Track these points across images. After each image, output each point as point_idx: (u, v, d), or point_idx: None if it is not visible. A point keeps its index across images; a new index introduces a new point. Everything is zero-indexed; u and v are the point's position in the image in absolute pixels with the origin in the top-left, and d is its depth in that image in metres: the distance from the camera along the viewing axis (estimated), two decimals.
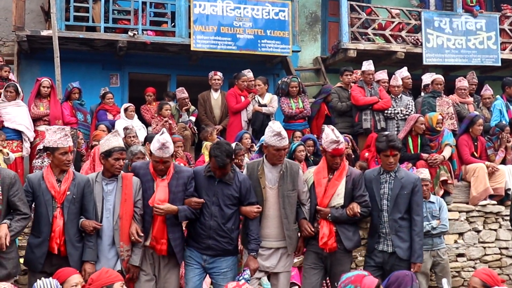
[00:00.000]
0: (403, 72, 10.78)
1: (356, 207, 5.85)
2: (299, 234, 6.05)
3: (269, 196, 5.90)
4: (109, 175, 5.73)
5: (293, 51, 12.60)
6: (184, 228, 6.17)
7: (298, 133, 9.99)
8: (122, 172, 5.79)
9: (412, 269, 5.84)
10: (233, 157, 5.91)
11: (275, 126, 5.84)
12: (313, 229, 5.94)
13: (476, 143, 9.34)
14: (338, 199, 5.92)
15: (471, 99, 10.56)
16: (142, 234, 5.65)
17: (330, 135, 5.86)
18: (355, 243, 6.06)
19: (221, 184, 5.73)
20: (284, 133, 5.82)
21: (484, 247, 8.68)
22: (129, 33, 11.66)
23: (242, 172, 6.12)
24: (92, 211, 5.59)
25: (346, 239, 5.93)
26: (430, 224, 7.58)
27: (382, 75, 10.50)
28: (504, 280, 5.61)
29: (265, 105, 10.38)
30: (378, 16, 13.37)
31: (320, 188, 5.97)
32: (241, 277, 5.20)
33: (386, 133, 6.41)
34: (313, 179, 6.06)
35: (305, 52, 13.78)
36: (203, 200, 5.69)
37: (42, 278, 4.61)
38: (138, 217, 5.73)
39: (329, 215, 5.87)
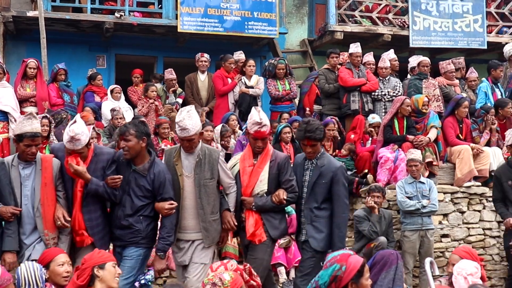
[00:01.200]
0: (390, 54, 10.84)
1: (282, 194, 5.59)
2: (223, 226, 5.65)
3: (186, 185, 5.50)
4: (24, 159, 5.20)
5: (280, 33, 12.58)
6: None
7: (285, 115, 10.07)
8: (40, 154, 5.33)
9: None
10: (145, 136, 5.37)
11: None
12: (236, 223, 5.61)
13: (461, 125, 9.41)
14: (262, 185, 5.64)
15: (457, 81, 10.64)
16: (69, 219, 5.17)
17: (254, 116, 5.63)
18: (281, 232, 5.82)
19: (135, 173, 5.34)
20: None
21: (468, 228, 8.76)
22: (116, 14, 11.58)
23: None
24: (9, 196, 5.09)
25: (272, 228, 5.66)
26: (420, 202, 7.74)
27: (369, 57, 10.57)
28: (482, 259, 5.74)
29: (252, 87, 10.41)
30: None
31: (245, 176, 5.67)
32: (142, 278, 5.00)
33: (308, 119, 5.97)
34: (239, 166, 5.76)
35: (292, 34, 13.76)
36: (120, 176, 5.25)
37: (25, 262, 4.50)
38: (62, 201, 5.28)
39: (253, 204, 5.59)
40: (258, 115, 5.59)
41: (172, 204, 5.29)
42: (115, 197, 5.29)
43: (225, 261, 4.24)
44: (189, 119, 5.31)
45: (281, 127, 9.06)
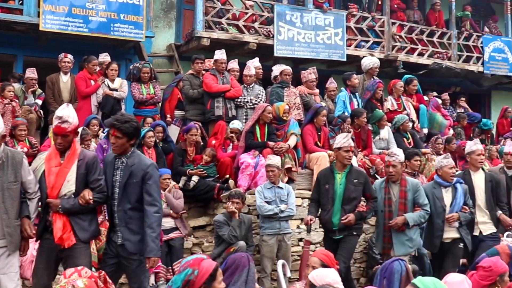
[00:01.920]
0: (255, 62, 11.04)
1: (87, 194, 5.34)
2: None
3: None
4: None
5: (146, 37, 12.44)
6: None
7: (148, 119, 9.99)
8: None
9: (147, 264, 5.40)
10: None
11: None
12: (33, 231, 5.36)
13: (319, 133, 9.74)
14: (69, 186, 5.37)
15: (317, 90, 11.04)
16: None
17: (57, 110, 5.40)
18: (91, 234, 5.57)
19: None
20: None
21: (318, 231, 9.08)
22: None
23: None
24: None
25: (81, 230, 5.40)
26: (278, 207, 7.93)
27: (233, 64, 10.74)
28: (337, 262, 5.98)
29: (116, 90, 10.26)
30: (232, 6, 13.56)
31: (51, 176, 5.36)
32: None
33: (122, 113, 5.95)
34: (44, 166, 5.46)
35: (159, 39, 13.68)
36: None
37: None
38: None
39: (60, 206, 5.30)
40: (61, 110, 5.34)
41: None
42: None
43: (79, 267, 4.06)
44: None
45: (144, 131, 9.00)
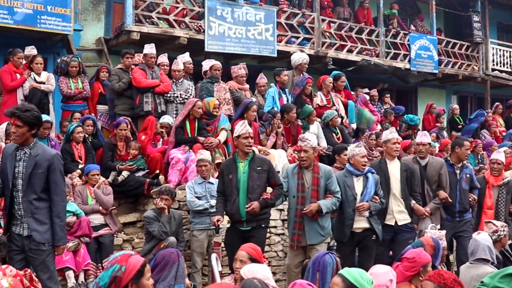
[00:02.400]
0: (185, 57, 11.01)
1: None
2: None
3: None
4: None
5: (74, 30, 12.18)
6: None
7: (77, 114, 9.83)
8: None
9: (55, 252, 5.55)
10: None
11: None
12: None
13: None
14: None
15: (247, 86, 11.10)
16: None
17: None
18: None
19: None
20: None
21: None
22: None
23: None
24: None
25: None
26: (208, 202, 7.95)
27: (163, 58, 10.67)
28: (264, 256, 6.05)
29: (43, 83, 10.02)
30: (163, 0, 13.43)
31: None
32: None
33: (20, 103, 5.93)
34: None
35: (87, 32, 13.41)
36: None
37: None
38: None
39: None
40: None
41: None
42: None
43: (3, 266, 4.00)
44: None
45: (73, 126, 8.87)
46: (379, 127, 12.96)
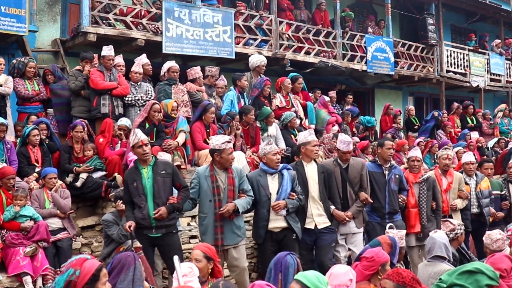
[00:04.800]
0: (143, 59, 10.93)
1: None
2: None
3: None
4: None
5: (30, 31, 11.98)
6: None
7: (33, 117, 9.69)
8: None
9: None
10: None
11: None
12: None
13: (208, 130, 9.78)
14: None
15: (204, 87, 11.10)
16: None
17: None
18: None
19: None
20: None
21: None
22: None
23: None
24: None
25: None
26: None
27: (119, 59, 10.57)
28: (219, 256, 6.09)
29: (0, 85, 9.85)
30: (120, 1, 13.31)
31: None
32: None
33: None
34: None
35: (43, 33, 13.21)
36: None
37: None
38: None
39: None
40: None
41: None
42: None
43: None
44: None
45: (29, 129, 8.73)
46: (335, 128, 13.07)
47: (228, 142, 7.29)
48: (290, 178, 7.44)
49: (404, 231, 7.16)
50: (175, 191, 7.25)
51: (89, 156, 9.04)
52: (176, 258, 6.24)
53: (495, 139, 16.11)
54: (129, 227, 6.85)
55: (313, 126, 12.06)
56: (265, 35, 15.24)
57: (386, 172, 8.48)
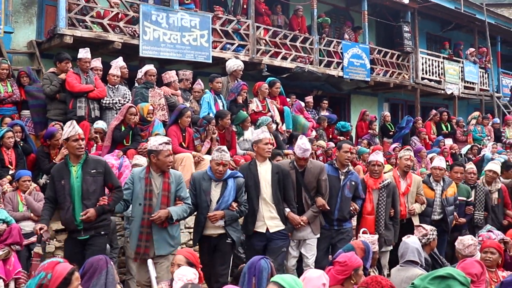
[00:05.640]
0: (119, 62, 10.90)
1: None
2: None
3: None
4: None
5: (5, 32, 11.92)
6: None
7: (7, 119, 9.61)
8: None
9: None
10: None
11: None
12: None
13: (184, 134, 9.74)
14: None
15: (179, 91, 11.10)
16: None
17: None
18: None
19: None
20: None
21: (190, 232, 9.09)
22: None
23: None
24: None
25: None
26: None
27: (96, 63, 10.53)
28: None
29: None
30: (97, 4, 13.26)
31: None
32: None
33: None
34: None
35: (19, 34, 13.10)
36: None
37: None
38: None
39: None
40: None
41: None
42: None
43: None
44: None
45: (3, 131, 8.65)
46: (314, 133, 13.15)
47: (167, 143, 6.83)
48: (235, 188, 7.07)
49: (376, 236, 7.20)
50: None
51: (59, 159, 8.93)
52: (150, 261, 6.23)
53: (468, 146, 16.32)
54: (40, 229, 6.32)
55: (290, 131, 12.12)
56: (242, 40, 15.27)
57: (342, 177, 8.06)
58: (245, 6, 15.69)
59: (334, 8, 19.91)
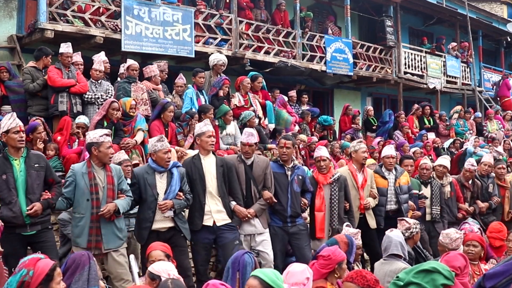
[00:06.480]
0: (101, 56, 10.81)
1: None
2: None
3: None
4: None
5: None
6: None
7: None
8: None
9: None
10: None
11: None
12: None
13: (167, 129, 9.71)
14: None
15: (160, 86, 11.04)
16: None
17: None
18: None
19: None
20: None
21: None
22: None
23: None
24: None
25: None
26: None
27: (77, 57, 10.44)
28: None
29: None
30: None
31: None
32: None
33: None
34: None
35: None
36: None
37: None
38: None
39: None
40: None
41: None
42: None
43: None
44: None
45: None
46: (297, 128, 13.15)
47: (107, 135, 6.77)
48: (179, 177, 7.02)
49: (358, 230, 7.25)
50: None
51: (50, 156, 8.87)
52: (132, 257, 6.21)
53: (451, 140, 16.40)
54: None
55: (272, 125, 12.10)
56: (225, 34, 15.24)
57: (289, 173, 7.91)
58: (227, 1, 15.66)
59: (317, 2, 19.92)
